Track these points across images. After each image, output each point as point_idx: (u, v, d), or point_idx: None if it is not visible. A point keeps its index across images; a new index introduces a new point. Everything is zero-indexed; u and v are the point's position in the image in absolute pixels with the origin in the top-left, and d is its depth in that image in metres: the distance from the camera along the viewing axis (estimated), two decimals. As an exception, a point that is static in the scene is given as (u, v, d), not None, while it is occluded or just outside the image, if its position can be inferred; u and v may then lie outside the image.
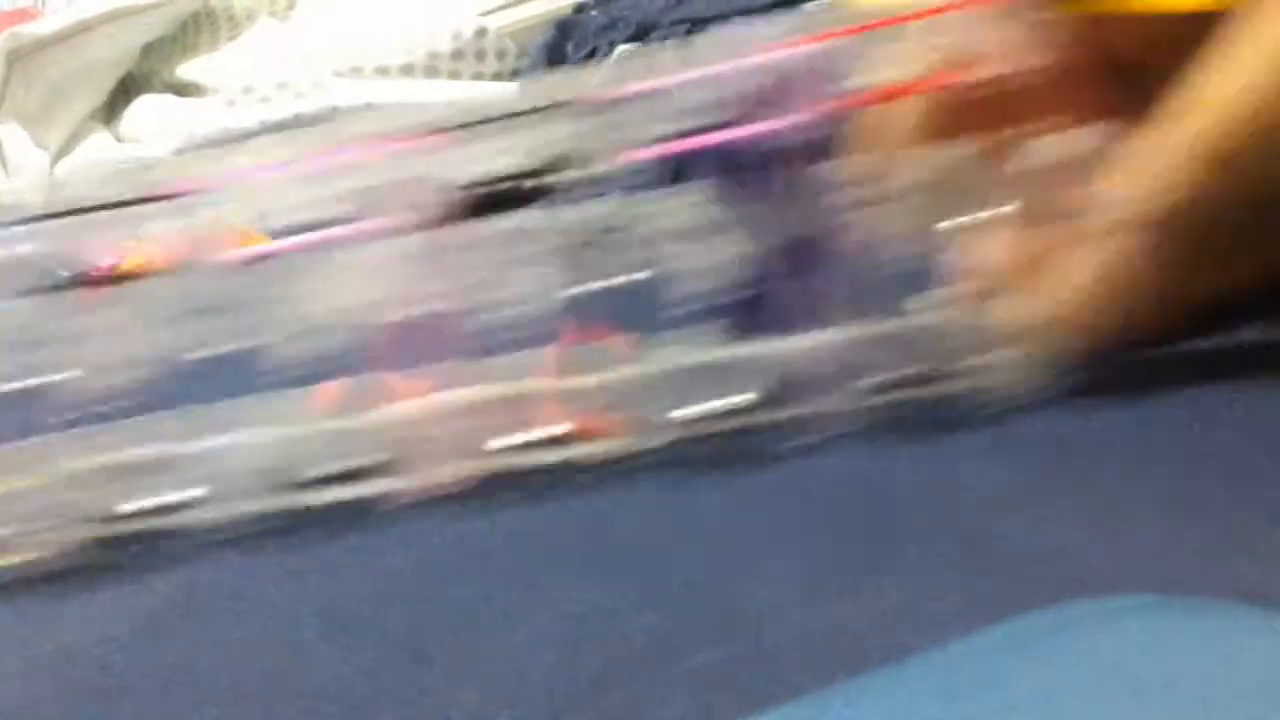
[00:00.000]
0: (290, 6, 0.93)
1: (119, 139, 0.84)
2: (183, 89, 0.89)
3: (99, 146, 0.82)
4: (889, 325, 0.34)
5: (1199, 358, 0.36)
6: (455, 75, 0.82)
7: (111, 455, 0.35)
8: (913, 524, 0.30)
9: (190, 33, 0.94)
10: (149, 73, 0.92)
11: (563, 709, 0.26)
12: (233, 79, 0.85)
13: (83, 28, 0.85)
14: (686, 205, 0.35)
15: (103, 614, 0.32)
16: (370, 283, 0.35)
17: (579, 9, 0.73)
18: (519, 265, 0.35)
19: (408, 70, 0.82)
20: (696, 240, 0.35)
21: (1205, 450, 0.32)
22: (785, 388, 0.34)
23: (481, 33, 0.82)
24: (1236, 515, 0.29)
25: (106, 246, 0.36)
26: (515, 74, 0.79)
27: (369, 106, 0.77)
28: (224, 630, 0.31)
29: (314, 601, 0.31)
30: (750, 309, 0.35)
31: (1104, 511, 0.29)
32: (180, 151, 0.78)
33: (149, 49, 0.93)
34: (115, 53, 0.88)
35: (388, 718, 0.27)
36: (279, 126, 0.79)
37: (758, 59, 0.34)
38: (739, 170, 0.34)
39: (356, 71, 0.82)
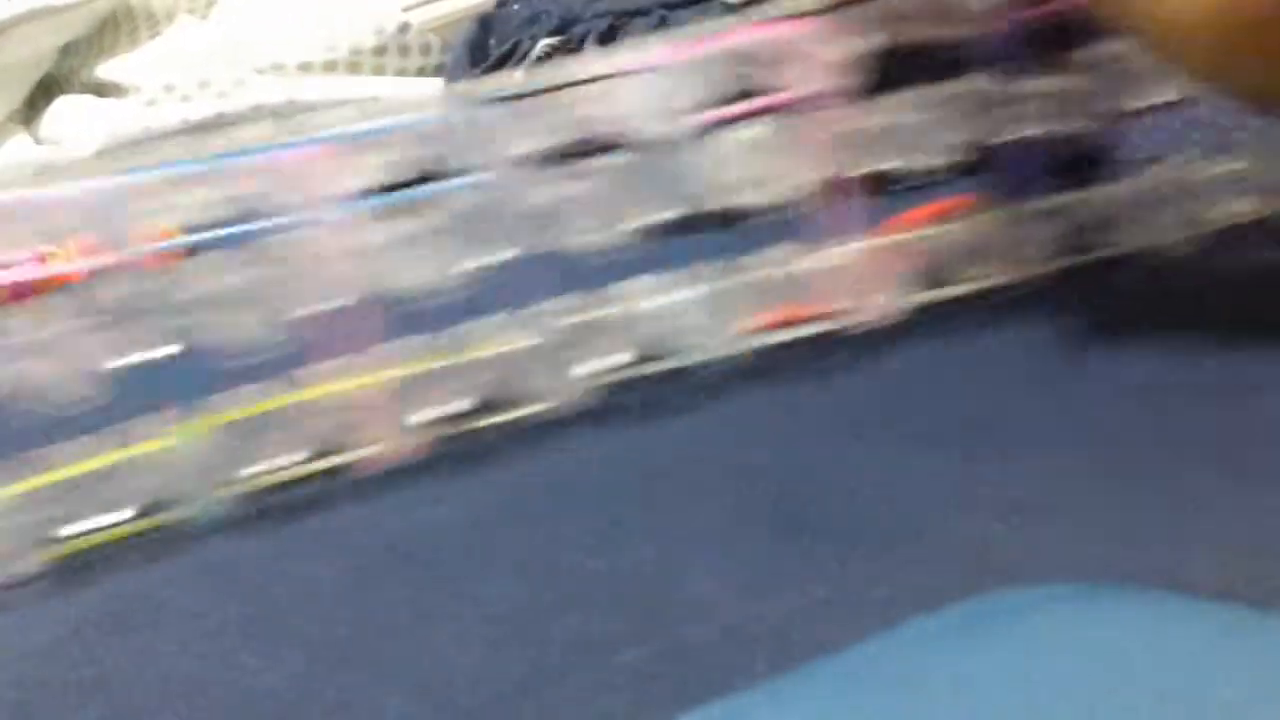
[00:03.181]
0: (210, 4, 0.92)
1: (39, 141, 0.82)
2: (103, 89, 0.88)
3: (18, 148, 0.81)
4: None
5: (1118, 348, 0.37)
6: (379, 71, 0.82)
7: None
8: (837, 519, 0.30)
9: (109, 32, 0.92)
10: (68, 73, 0.91)
11: (489, 711, 0.26)
12: (153, 78, 0.84)
13: (-2, 28, 0.84)
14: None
15: (24, 625, 0.32)
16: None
17: (501, 3, 0.72)
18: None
19: (331, 66, 0.82)
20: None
21: (1121, 440, 0.32)
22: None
23: (404, 28, 0.81)
24: (1152, 503, 0.29)
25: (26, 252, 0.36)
26: (439, 69, 0.79)
27: (291, 104, 0.76)
28: (147, 640, 0.30)
29: (238, 609, 0.31)
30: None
31: (1023, 502, 0.29)
32: (102, 152, 0.77)
33: (68, 49, 0.91)
34: (33, 53, 0.87)
35: (314, 724, 0.27)
36: (201, 125, 0.78)
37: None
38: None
39: (279, 69, 0.81)
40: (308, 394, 0.36)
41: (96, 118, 0.82)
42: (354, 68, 0.83)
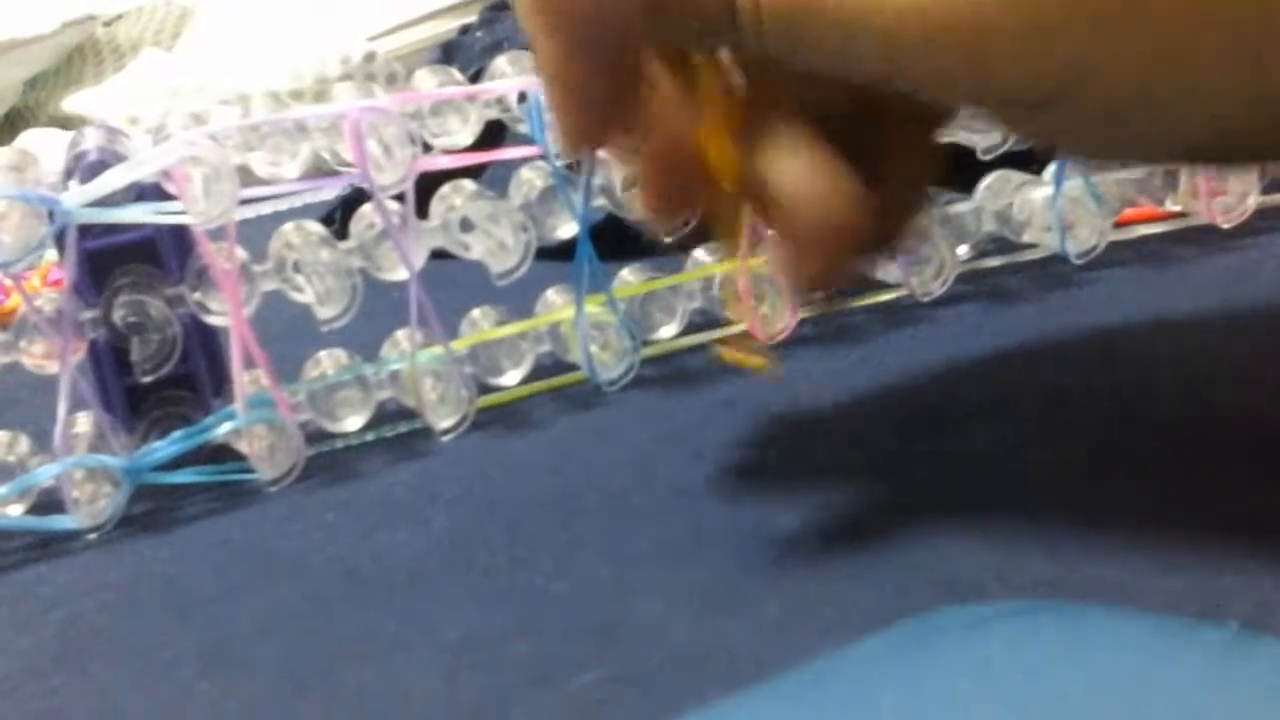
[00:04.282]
0: (175, 37, 0.93)
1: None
2: (69, 122, 0.88)
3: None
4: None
5: (1081, 359, 0.37)
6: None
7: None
8: (789, 536, 0.30)
9: (75, 65, 0.93)
10: (34, 106, 0.91)
11: (443, 737, 0.26)
12: (119, 110, 0.84)
13: (-37, 63, 0.84)
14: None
15: (-22, 658, 0.31)
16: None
17: (464, 30, 0.72)
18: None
19: (297, 96, 0.82)
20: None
21: (1078, 455, 0.32)
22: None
23: (370, 57, 0.82)
24: (1104, 518, 0.29)
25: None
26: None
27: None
28: (102, 670, 0.30)
29: (193, 638, 0.31)
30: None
31: (975, 519, 0.29)
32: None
33: (34, 82, 0.91)
34: (-1, 87, 0.87)
35: (267, 753, 0.27)
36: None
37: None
38: None
39: (244, 99, 0.82)
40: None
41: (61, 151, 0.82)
42: (321, 97, 0.83)
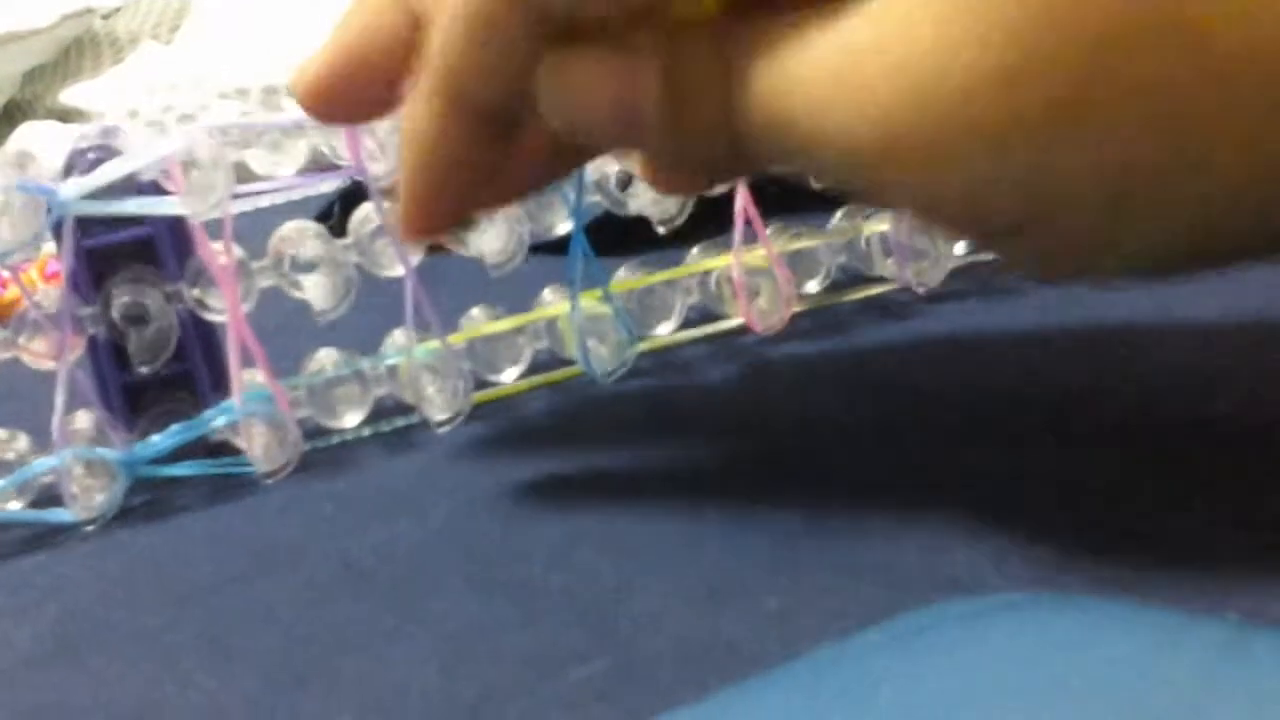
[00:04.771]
0: (174, 29, 0.93)
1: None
2: (67, 115, 0.88)
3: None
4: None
5: (1082, 354, 0.37)
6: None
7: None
8: (786, 529, 0.30)
9: (73, 58, 0.92)
10: (32, 99, 0.91)
11: (442, 729, 0.26)
12: (117, 104, 0.84)
13: (-39, 55, 0.84)
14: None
15: (-23, 650, 0.31)
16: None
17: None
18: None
19: (295, 90, 0.82)
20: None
21: (1075, 442, 0.32)
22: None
23: (368, 51, 0.82)
24: (1106, 509, 0.29)
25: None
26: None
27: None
28: (99, 661, 0.30)
29: (190, 628, 0.31)
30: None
31: (975, 512, 0.30)
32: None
33: (32, 75, 0.91)
34: (-4, 80, 0.87)
35: (267, 744, 0.27)
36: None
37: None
38: None
39: (242, 93, 0.81)
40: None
41: (60, 144, 0.82)
42: (318, 91, 0.83)
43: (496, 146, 0.28)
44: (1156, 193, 0.22)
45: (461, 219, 0.31)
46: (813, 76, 0.23)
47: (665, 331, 0.42)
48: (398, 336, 0.40)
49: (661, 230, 0.41)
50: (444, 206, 0.29)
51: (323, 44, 0.29)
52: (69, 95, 0.87)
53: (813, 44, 0.23)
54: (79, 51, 0.92)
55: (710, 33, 0.25)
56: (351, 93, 0.30)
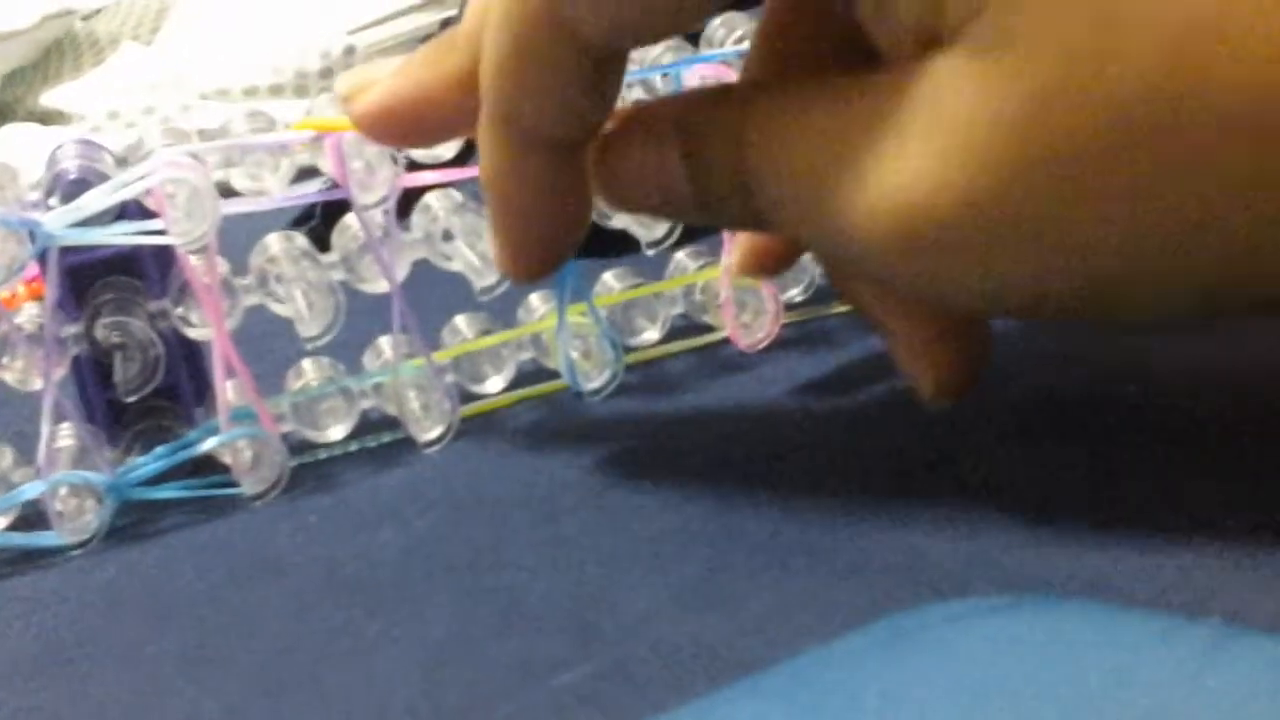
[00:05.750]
0: (154, 31, 0.92)
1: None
2: (48, 117, 0.87)
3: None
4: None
5: (1067, 357, 0.37)
6: (326, 94, 0.82)
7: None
8: (772, 534, 0.30)
9: (54, 60, 0.92)
10: (12, 102, 0.91)
11: (426, 737, 0.26)
12: (98, 105, 0.84)
13: (-60, 58, 0.83)
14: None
15: (-40, 663, 0.31)
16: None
17: (445, 24, 0.72)
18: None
19: (277, 90, 0.82)
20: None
21: (1055, 447, 0.32)
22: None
23: (350, 51, 0.82)
24: (1087, 513, 0.29)
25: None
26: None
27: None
28: (83, 672, 0.30)
29: (174, 638, 0.31)
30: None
31: (955, 515, 0.30)
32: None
33: (12, 77, 0.91)
34: (-25, 82, 0.87)
35: (250, 755, 0.27)
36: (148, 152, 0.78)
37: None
38: None
39: (223, 94, 0.81)
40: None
41: (41, 146, 0.82)
42: (300, 91, 0.83)
43: (565, 171, 0.29)
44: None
45: (558, 254, 0.32)
46: (807, 170, 0.25)
47: (650, 339, 0.42)
48: (382, 344, 0.40)
49: (650, 253, 0.41)
50: (533, 238, 0.31)
51: (391, 70, 0.31)
52: (50, 97, 0.87)
53: (809, 134, 0.25)
54: (59, 53, 0.92)
55: (725, 113, 0.27)
56: (410, 122, 0.31)
